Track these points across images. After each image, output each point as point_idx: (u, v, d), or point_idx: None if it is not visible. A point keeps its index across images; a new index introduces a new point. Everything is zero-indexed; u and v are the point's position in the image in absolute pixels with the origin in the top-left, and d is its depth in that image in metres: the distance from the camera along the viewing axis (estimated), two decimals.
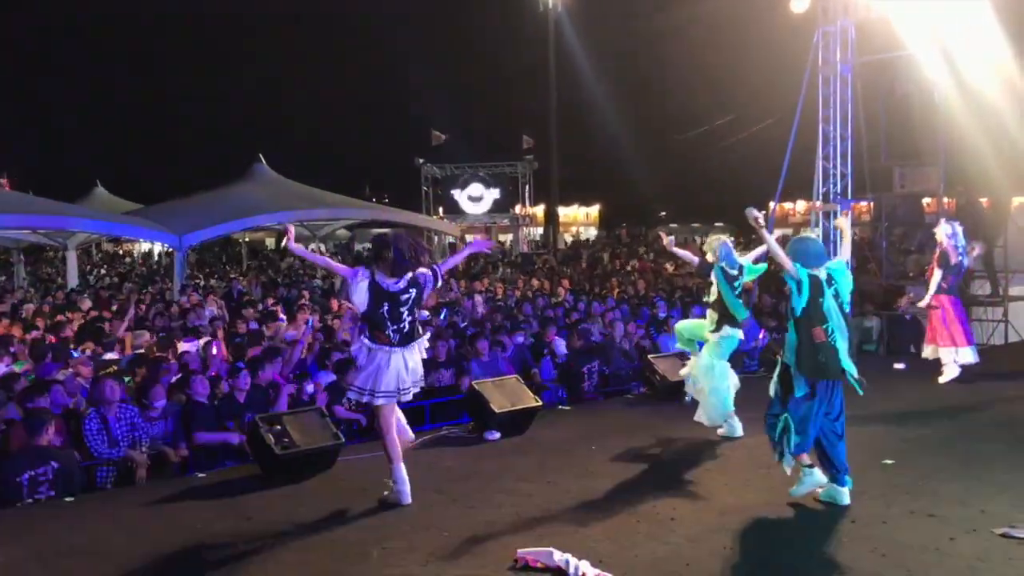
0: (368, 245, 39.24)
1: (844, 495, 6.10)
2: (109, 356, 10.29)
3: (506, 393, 8.61)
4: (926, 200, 15.44)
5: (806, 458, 6.18)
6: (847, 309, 6.33)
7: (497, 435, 8.32)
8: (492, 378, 9.20)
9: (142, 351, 10.38)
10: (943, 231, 10.27)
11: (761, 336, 12.58)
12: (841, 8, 13.24)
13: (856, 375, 6.13)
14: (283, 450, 7.06)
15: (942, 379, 10.22)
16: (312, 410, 7.94)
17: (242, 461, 7.85)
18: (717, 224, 52.36)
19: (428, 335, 6.97)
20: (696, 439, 8.10)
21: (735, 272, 8.05)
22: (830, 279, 6.15)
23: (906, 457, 7.29)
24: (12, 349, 10.11)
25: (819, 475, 6.16)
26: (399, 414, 6.68)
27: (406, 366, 6.38)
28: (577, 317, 13.51)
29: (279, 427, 7.23)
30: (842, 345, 6.07)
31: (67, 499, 6.73)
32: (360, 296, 6.29)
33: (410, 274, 6.34)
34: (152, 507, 6.60)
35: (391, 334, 6.31)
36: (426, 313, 6.66)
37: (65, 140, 62.60)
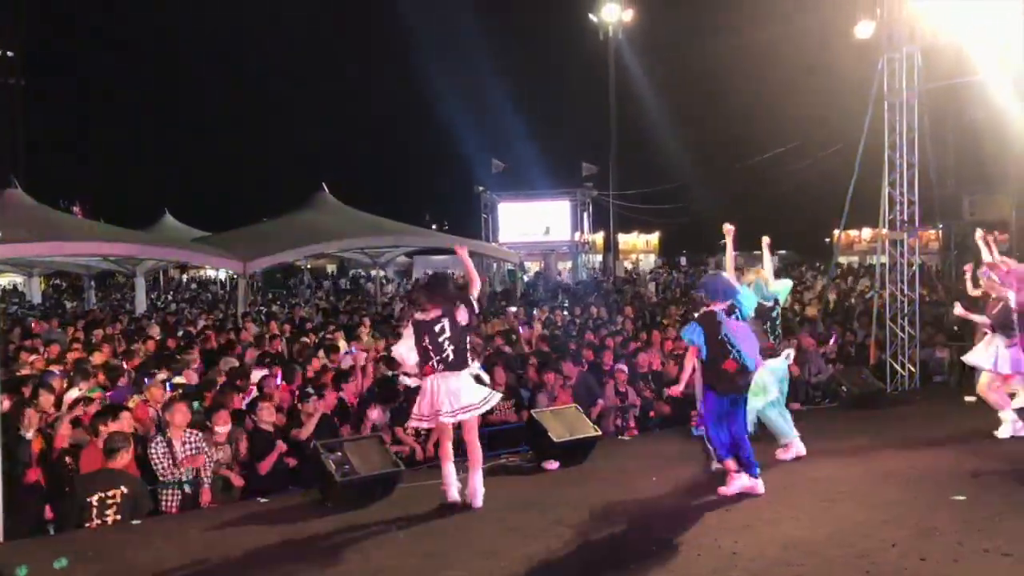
0: (428, 271, 39.85)
1: (759, 485, 7.11)
2: (178, 380, 10.47)
3: (565, 422, 8.57)
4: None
5: (732, 463, 7.14)
6: (747, 317, 7.42)
7: (556, 464, 8.28)
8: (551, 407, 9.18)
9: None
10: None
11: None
12: (907, 34, 13.03)
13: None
14: (343, 477, 7.12)
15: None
16: (372, 437, 7.99)
17: (304, 487, 7.93)
18: (780, 252, 51.64)
19: (478, 365, 7.47)
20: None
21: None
22: (731, 308, 7.21)
23: (978, 493, 7.05)
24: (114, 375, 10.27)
25: (746, 478, 7.14)
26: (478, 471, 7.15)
27: (452, 389, 6.91)
28: (636, 347, 13.39)
29: (339, 453, 7.30)
30: (749, 360, 7.10)
31: (134, 522, 6.86)
32: (409, 344, 7.02)
33: (439, 308, 6.95)
34: (215, 531, 6.69)
35: (435, 364, 6.94)
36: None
37: (135, 169, 64.59)
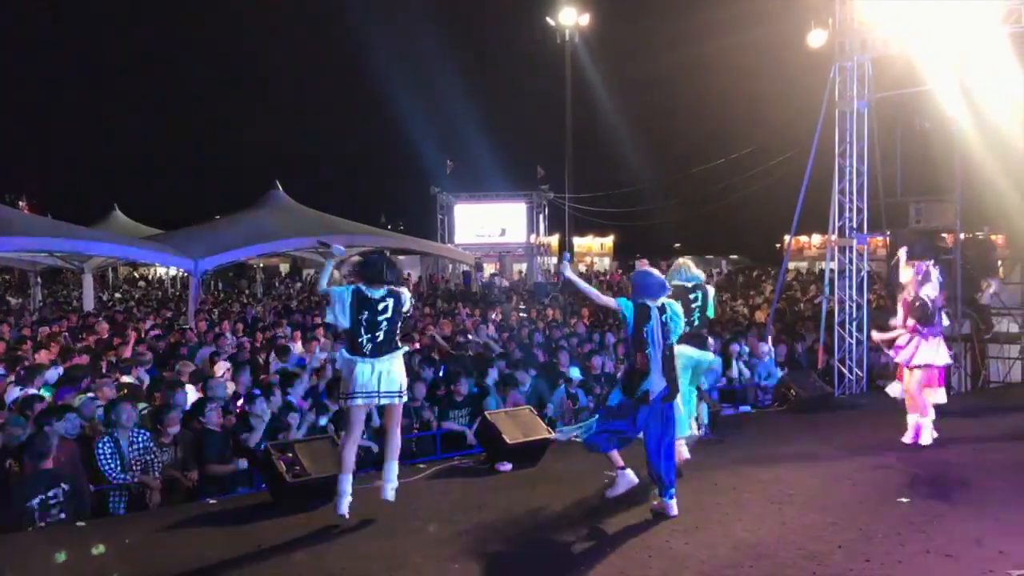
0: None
1: (672, 507, 6.68)
2: (125, 379, 10.30)
3: (519, 424, 8.58)
4: (945, 235, 15.40)
5: (619, 459, 6.95)
6: (675, 337, 6.86)
7: (509, 466, 8.28)
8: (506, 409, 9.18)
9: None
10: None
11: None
12: (858, 44, 13.29)
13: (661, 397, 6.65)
14: (294, 478, 7.05)
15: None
16: (324, 438, 7.93)
17: (253, 488, 7.83)
18: (732, 256, 52.21)
19: (404, 349, 7.00)
20: (709, 473, 8.04)
21: None
22: (663, 308, 6.76)
23: (921, 495, 7.21)
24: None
25: (632, 475, 6.98)
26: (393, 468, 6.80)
27: (379, 376, 6.53)
28: (590, 348, 13.47)
29: (290, 455, 7.23)
30: (655, 367, 6.61)
31: (78, 524, 6.73)
32: (344, 308, 6.51)
33: (388, 287, 6.63)
34: (163, 533, 6.59)
35: (364, 343, 6.49)
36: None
37: (84, 164, 63.39)
